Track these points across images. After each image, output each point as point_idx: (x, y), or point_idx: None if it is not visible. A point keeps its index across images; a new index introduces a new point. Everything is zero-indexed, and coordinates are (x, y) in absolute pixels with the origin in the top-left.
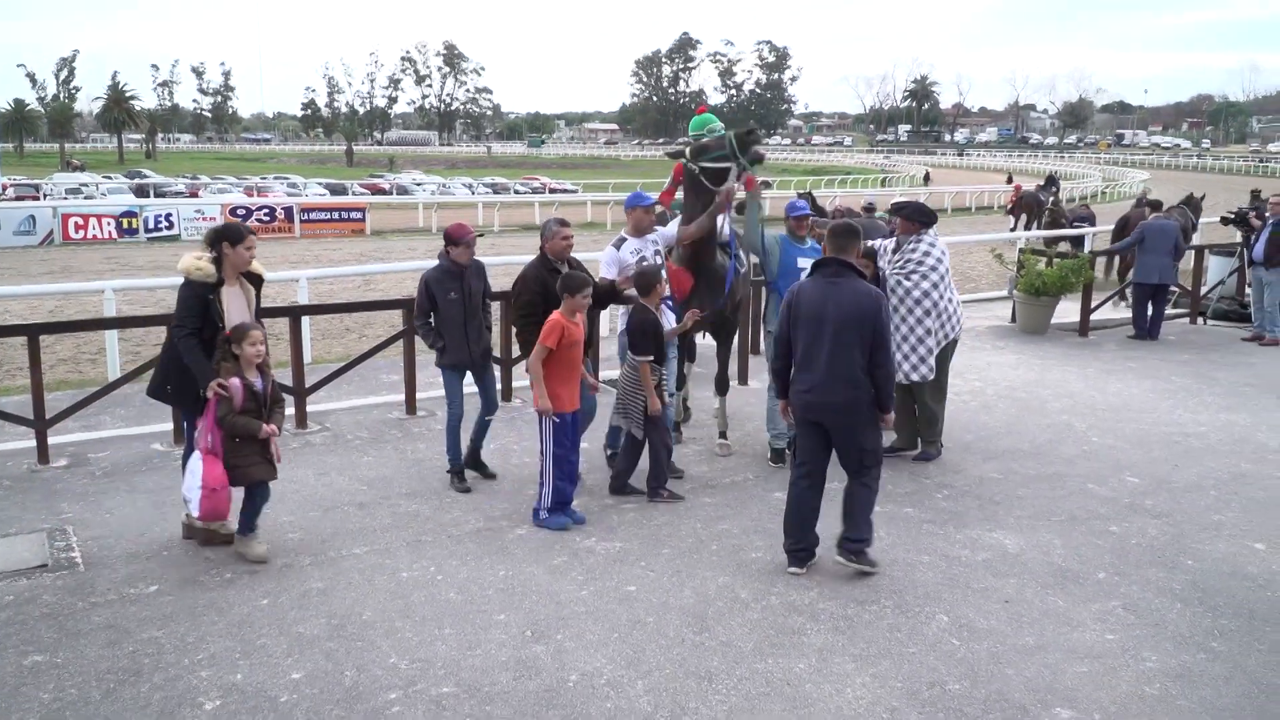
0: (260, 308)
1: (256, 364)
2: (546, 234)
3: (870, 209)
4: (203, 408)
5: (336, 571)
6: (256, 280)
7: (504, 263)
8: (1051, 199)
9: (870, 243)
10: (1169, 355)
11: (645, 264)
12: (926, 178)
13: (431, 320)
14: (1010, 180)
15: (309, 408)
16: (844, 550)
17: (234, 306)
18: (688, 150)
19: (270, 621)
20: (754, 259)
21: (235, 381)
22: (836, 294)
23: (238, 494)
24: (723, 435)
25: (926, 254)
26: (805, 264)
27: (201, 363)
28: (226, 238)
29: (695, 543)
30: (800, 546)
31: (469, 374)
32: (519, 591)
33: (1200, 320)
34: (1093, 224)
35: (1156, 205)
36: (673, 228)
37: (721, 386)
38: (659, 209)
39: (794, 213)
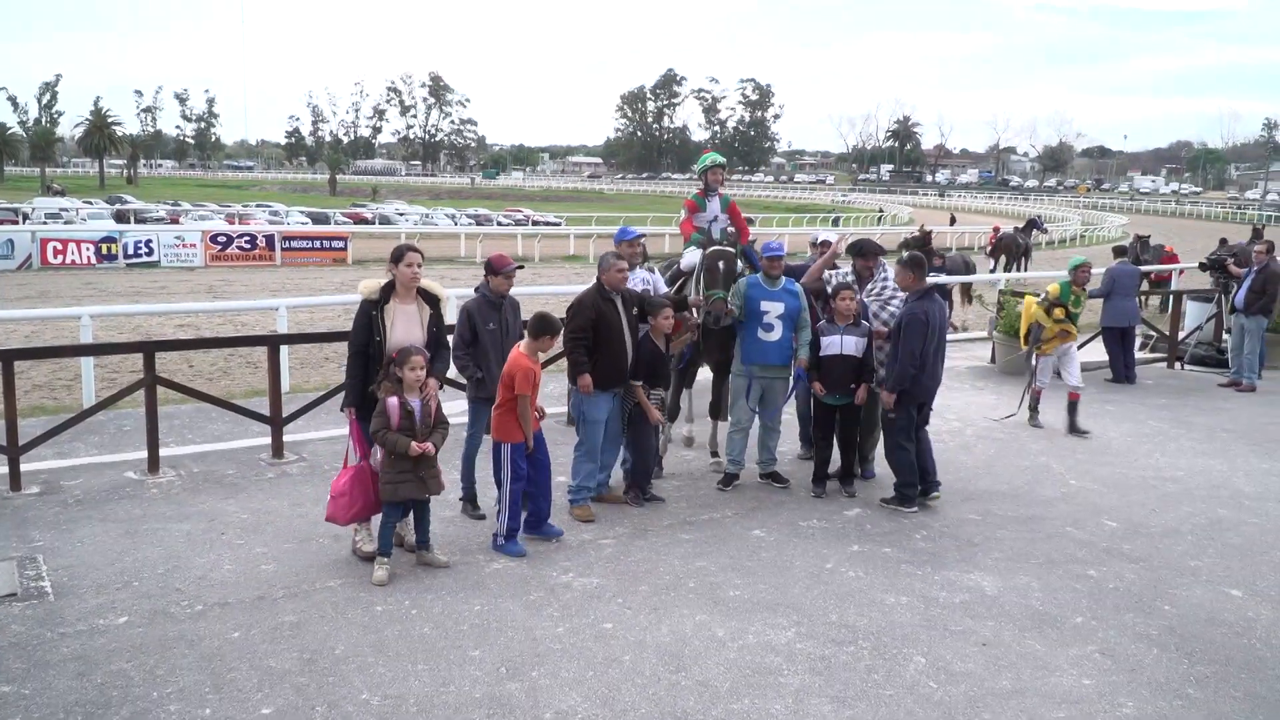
0: (440, 326)
1: (418, 387)
2: (603, 266)
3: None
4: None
5: (310, 604)
6: (433, 300)
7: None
8: (918, 245)
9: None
10: (1146, 399)
11: (652, 295)
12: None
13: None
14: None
15: (286, 437)
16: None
17: (400, 323)
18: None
19: (241, 655)
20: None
21: (392, 401)
22: (939, 310)
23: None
24: (715, 454)
25: (887, 281)
26: (769, 308)
27: (353, 380)
28: (392, 258)
29: (673, 580)
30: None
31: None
32: (494, 627)
33: (1178, 365)
34: (970, 272)
35: (1122, 251)
36: (689, 256)
37: (715, 412)
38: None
39: (768, 253)
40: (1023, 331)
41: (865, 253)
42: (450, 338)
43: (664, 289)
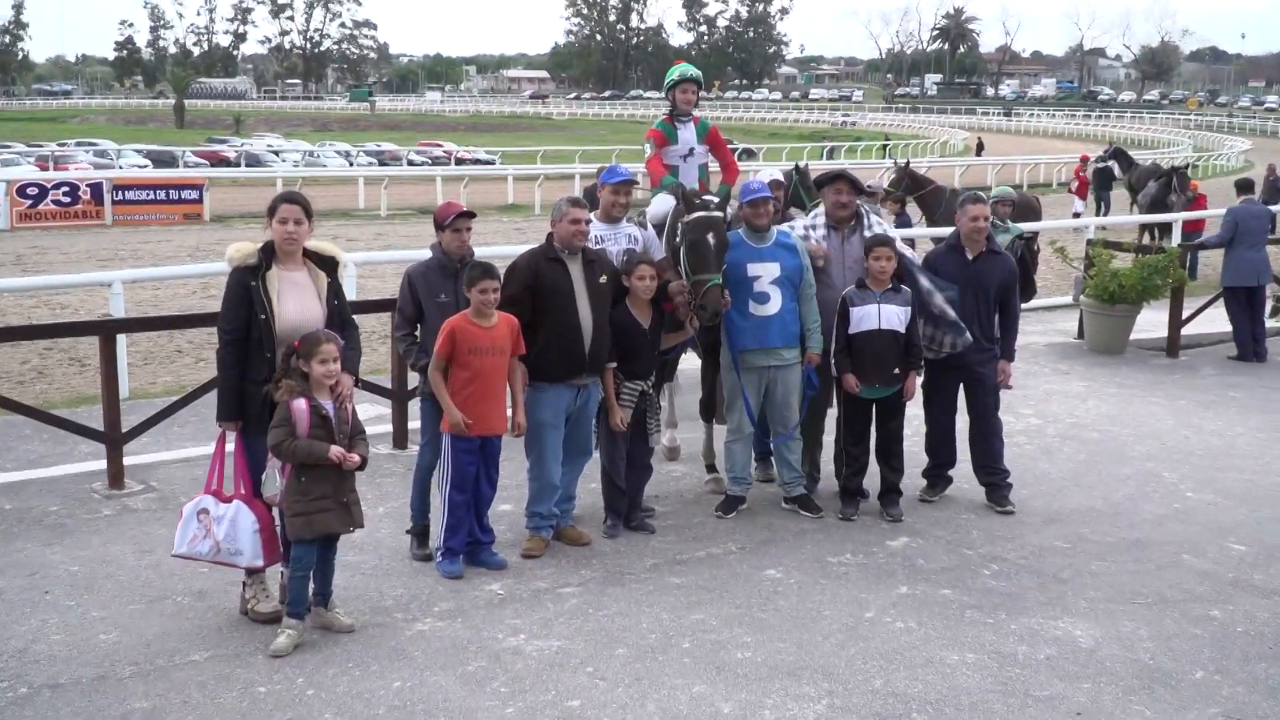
0: (341, 298)
1: (329, 385)
2: (554, 214)
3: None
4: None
5: (168, 685)
6: (330, 264)
7: (394, 259)
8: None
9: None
10: (1278, 380)
11: (631, 254)
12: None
13: (417, 332)
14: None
15: (127, 460)
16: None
17: (290, 296)
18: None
19: None
20: None
21: (299, 404)
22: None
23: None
24: (711, 469)
25: (874, 228)
26: (760, 271)
27: (228, 383)
28: (269, 211)
29: (660, 639)
30: None
31: None
32: (421, 710)
33: None
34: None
35: (1247, 186)
36: (657, 204)
37: (707, 413)
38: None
39: (749, 196)
40: None
41: (843, 184)
42: (393, 317)
43: (657, 249)
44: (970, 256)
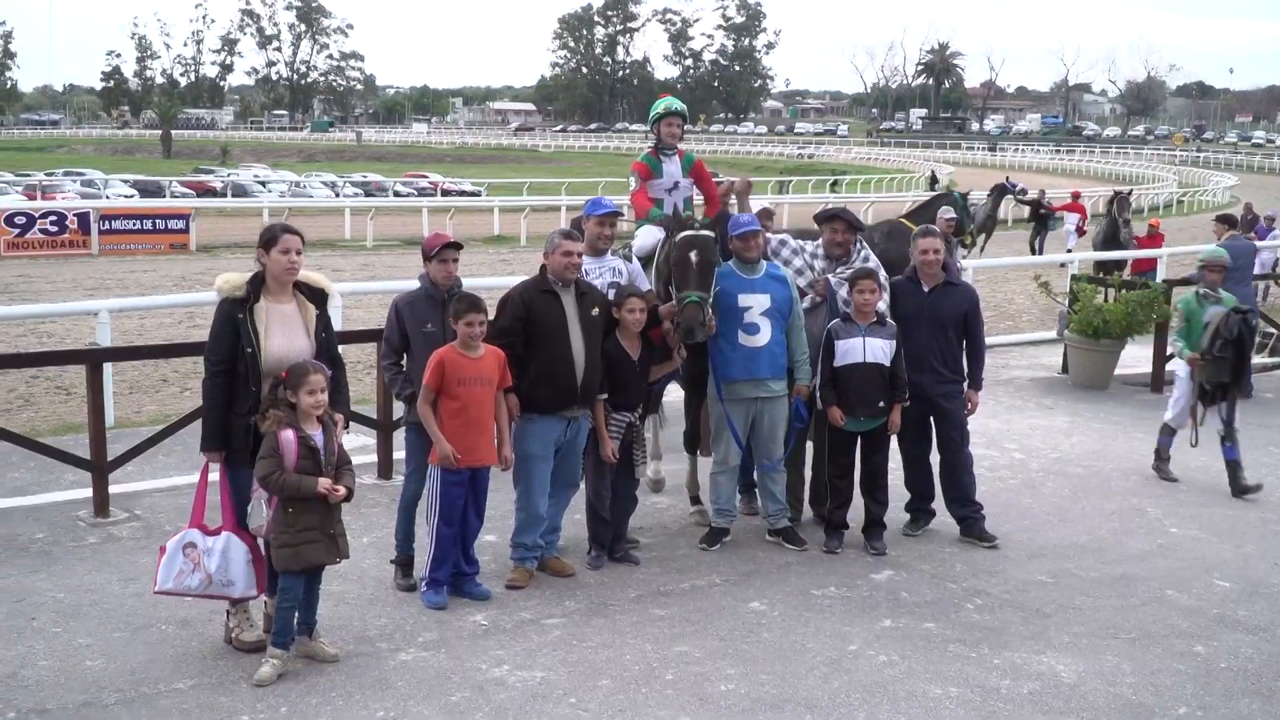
0: (329, 332)
1: (317, 415)
2: (547, 246)
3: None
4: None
5: (153, 713)
6: (320, 297)
7: (380, 289)
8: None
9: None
10: (1266, 418)
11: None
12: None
13: (403, 362)
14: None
15: (113, 488)
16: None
17: (278, 327)
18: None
19: None
20: None
21: (287, 434)
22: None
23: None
24: (695, 501)
25: (868, 261)
26: (750, 302)
27: (214, 413)
28: (262, 242)
29: (644, 671)
30: None
31: None
32: None
33: None
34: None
35: (1231, 221)
36: (643, 237)
37: (691, 445)
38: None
39: (739, 230)
40: None
41: (839, 224)
42: (378, 347)
43: (643, 282)
44: (926, 289)
